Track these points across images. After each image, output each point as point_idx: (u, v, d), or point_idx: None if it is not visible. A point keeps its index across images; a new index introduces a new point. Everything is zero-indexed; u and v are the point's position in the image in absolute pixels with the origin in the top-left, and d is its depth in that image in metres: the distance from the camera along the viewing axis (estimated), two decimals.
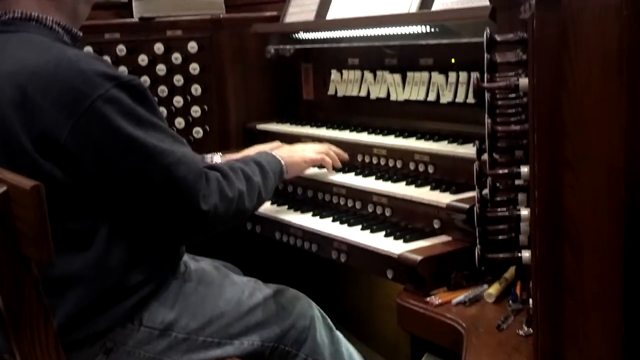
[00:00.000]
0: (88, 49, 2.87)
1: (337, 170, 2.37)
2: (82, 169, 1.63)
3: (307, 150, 2.30)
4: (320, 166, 2.36)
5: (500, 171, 1.50)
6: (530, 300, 1.45)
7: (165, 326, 1.79)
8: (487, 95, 1.53)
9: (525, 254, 1.44)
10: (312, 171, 2.36)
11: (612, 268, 1.18)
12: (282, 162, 2.14)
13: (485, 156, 1.56)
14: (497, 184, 1.56)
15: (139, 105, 1.68)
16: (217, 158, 2.35)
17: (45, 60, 1.63)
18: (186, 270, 1.91)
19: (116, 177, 1.66)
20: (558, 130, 1.22)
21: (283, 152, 2.22)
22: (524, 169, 1.45)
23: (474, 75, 1.50)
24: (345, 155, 2.38)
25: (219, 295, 1.90)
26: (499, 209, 1.54)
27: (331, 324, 2.06)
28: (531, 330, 1.56)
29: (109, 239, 1.69)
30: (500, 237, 1.53)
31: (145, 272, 1.77)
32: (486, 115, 1.51)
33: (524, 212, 1.45)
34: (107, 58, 2.90)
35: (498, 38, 1.49)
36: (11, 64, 1.65)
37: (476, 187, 1.57)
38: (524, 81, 1.41)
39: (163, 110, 2.89)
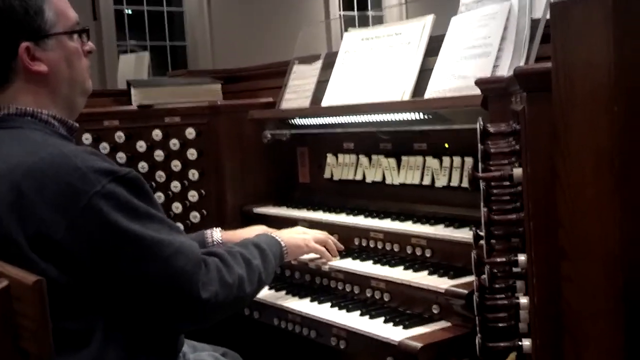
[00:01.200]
0: (87, 135, 2.92)
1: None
2: (79, 266, 1.63)
3: (308, 235, 2.32)
4: None
5: (499, 259, 1.52)
6: None
7: None
8: (482, 184, 1.56)
9: (526, 343, 1.45)
10: (309, 255, 2.37)
11: (613, 358, 1.18)
12: (283, 243, 2.16)
13: (482, 242, 1.58)
14: (496, 271, 1.57)
15: (136, 197, 1.69)
16: (216, 233, 2.36)
17: (40, 158, 1.64)
18: None
19: (114, 271, 1.66)
20: (553, 222, 1.25)
21: (283, 234, 2.24)
22: (522, 257, 1.47)
23: (469, 163, 1.54)
24: (341, 247, 2.41)
25: None
26: (498, 297, 1.55)
27: None
28: None
29: (105, 336, 1.68)
30: (500, 325, 1.54)
31: None
32: (482, 204, 1.54)
33: (523, 300, 1.47)
34: (105, 145, 2.94)
35: (491, 129, 1.53)
36: (6, 162, 1.66)
37: (474, 274, 1.58)
38: (517, 171, 1.45)
39: (160, 195, 2.92)
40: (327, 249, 2.36)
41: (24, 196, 1.61)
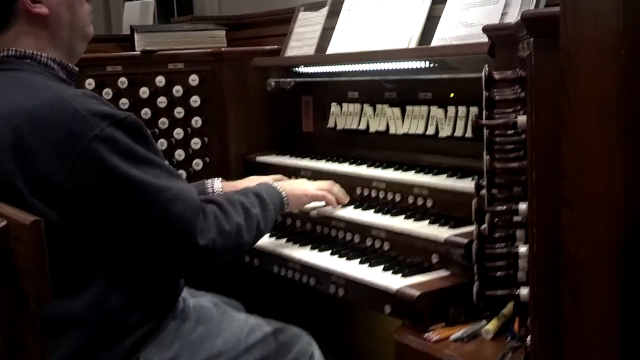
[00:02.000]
0: (90, 81, 2.90)
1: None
2: (78, 210, 1.63)
3: (309, 185, 2.30)
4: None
5: (499, 208, 1.51)
6: (529, 338, 1.45)
7: None
8: (485, 132, 1.54)
9: (524, 291, 1.44)
10: (311, 204, 2.36)
11: (610, 310, 1.17)
12: (284, 193, 2.14)
13: (483, 192, 1.57)
14: (496, 220, 1.56)
15: (135, 142, 1.68)
16: (217, 183, 2.34)
17: (41, 101, 1.64)
18: (184, 307, 1.90)
19: (113, 216, 1.66)
20: (557, 170, 1.23)
21: (285, 184, 2.22)
22: (522, 206, 1.46)
23: (473, 111, 1.51)
24: (346, 199, 2.37)
25: (217, 333, 1.89)
26: (497, 246, 1.54)
27: None
28: None
29: (106, 280, 1.69)
30: (498, 274, 1.54)
31: (143, 311, 1.76)
32: (484, 152, 1.52)
33: (522, 249, 1.46)
34: (108, 90, 2.92)
35: (496, 76, 1.50)
36: (5, 106, 1.65)
37: (474, 223, 1.57)
38: (522, 119, 1.43)
39: (163, 142, 2.91)
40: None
41: (24, 140, 1.61)
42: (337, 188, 2.36)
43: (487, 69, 1.50)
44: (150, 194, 1.67)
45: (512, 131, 1.58)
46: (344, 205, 2.37)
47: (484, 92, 1.51)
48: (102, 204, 1.64)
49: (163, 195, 1.68)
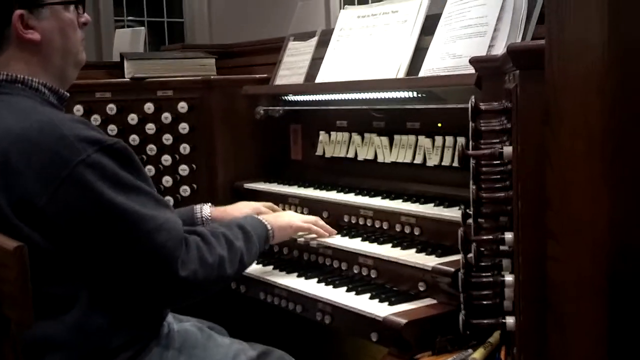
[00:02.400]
0: (78, 107, 2.91)
1: None
2: (61, 234, 1.63)
3: (294, 217, 2.30)
4: None
5: (485, 237, 1.51)
6: None
7: None
8: (472, 162, 1.56)
9: (510, 320, 1.45)
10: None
11: (596, 341, 1.18)
12: (269, 226, 2.14)
13: (470, 221, 1.58)
14: (482, 249, 1.57)
15: (122, 168, 1.68)
16: (206, 209, 2.34)
17: (29, 125, 1.64)
18: (169, 332, 1.89)
19: (95, 242, 1.66)
20: (542, 201, 1.24)
21: (270, 217, 2.22)
22: (509, 236, 1.47)
23: (460, 141, 1.53)
24: (332, 231, 2.37)
25: (202, 357, 1.88)
26: (483, 274, 1.55)
27: None
28: None
29: (89, 304, 1.68)
30: (484, 303, 1.54)
31: (126, 336, 1.75)
32: (471, 182, 1.53)
33: (509, 278, 1.47)
34: (97, 116, 2.93)
35: (483, 107, 1.52)
36: None
37: (461, 252, 1.58)
38: (508, 149, 1.44)
39: (151, 168, 2.91)
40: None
41: (10, 163, 1.61)
42: (322, 222, 2.37)
43: (473, 99, 1.52)
44: (134, 222, 1.66)
45: (499, 161, 1.60)
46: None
47: (470, 122, 1.53)
48: (85, 229, 1.64)
49: (147, 224, 1.68)
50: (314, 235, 2.33)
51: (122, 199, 1.65)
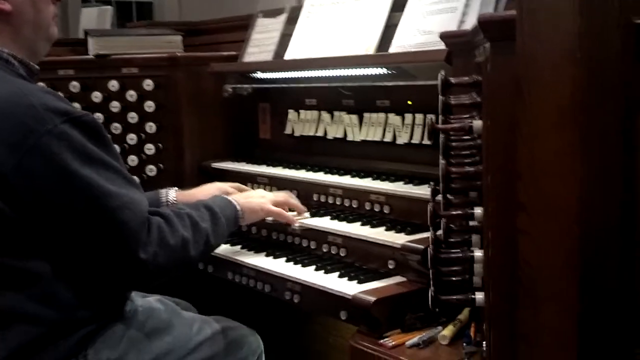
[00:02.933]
0: (41, 84, 2.83)
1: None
2: (24, 203, 1.59)
3: (266, 198, 2.23)
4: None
5: (454, 212, 1.50)
6: (485, 343, 1.44)
7: None
8: (441, 136, 1.54)
9: (479, 296, 1.44)
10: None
11: (567, 315, 1.17)
12: (238, 207, 2.07)
13: (439, 197, 1.56)
14: (452, 225, 1.56)
15: (91, 142, 1.64)
16: (172, 193, 2.27)
17: None
18: (133, 307, 1.86)
19: (58, 214, 1.62)
20: (512, 174, 1.23)
21: (240, 197, 2.16)
22: (478, 210, 1.45)
23: (430, 117, 1.51)
24: (303, 209, 2.32)
25: (166, 332, 1.87)
26: (452, 250, 1.54)
27: None
28: None
29: (55, 277, 1.65)
30: (454, 279, 1.53)
31: (91, 310, 1.72)
32: (440, 157, 1.51)
33: (478, 253, 1.45)
34: (59, 94, 2.85)
35: (453, 80, 1.50)
36: None
37: (430, 228, 1.56)
38: (478, 123, 1.42)
39: (116, 147, 2.83)
40: (290, 210, 2.28)
41: None
42: (295, 200, 2.32)
43: (443, 73, 1.50)
44: (97, 197, 1.62)
45: (468, 136, 1.58)
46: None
47: (440, 96, 1.51)
48: (48, 200, 1.60)
49: (112, 201, 1.63)
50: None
51: (87, 172, 1.61)
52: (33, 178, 1.57)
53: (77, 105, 2.84)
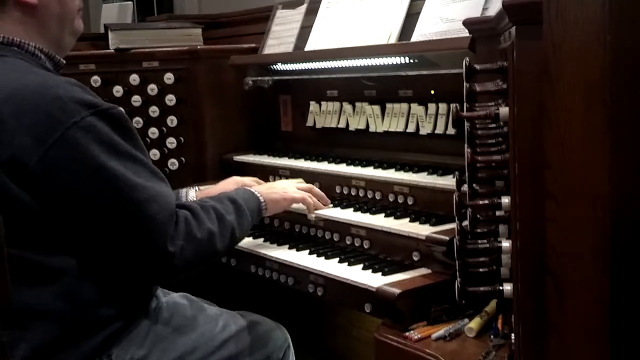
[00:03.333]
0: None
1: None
2: (49, 196, 1.58)
3: (287, 187, 2.21)
4: None
5: (481, 202, 1.47)
6: (513, 335, 1.41)
7: None
8: (466, 124, 1.50)
9: (507, 287, 1.41)
10: (294, 206, 2.26)
11: (598, 306, 1.13)
12: (261, 198, 2.05)
13: (465, 187, 1.53)
14: (478, 215, 1.53)
15: (117, 134, 1.63)
16: (192, 193, 2.23)
17: (24, 84, 1.60)
18: (158, 304, 1.85)
19: (84, 207, 1.60)
20: (540, 161, 1.19)
21: (262, 188, 2.14)
22: (505, 200, 1.42)
23: (454, 105, 1.47)
24: (327, 200, 2.29)
25: (191, 329, 1.85)
26: (479, 241, 1.50)
27: None
28: None
29: (79, 273, 1.64)
30: (481, 270, 1.50)
31: (116, 307, 1.71)
32: (466, 145, 1.48)
33: (506, 244, 1.42)
34: None
35: (478, 67, 1.46)
36: None
37: (456, 218, 1.53)
38: (504, 110, 1.39)
39: None
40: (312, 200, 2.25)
41: (3, 120, 1.56)
42: (317, 190, 2.30)
43: (467, 60, 1.46)
44: (124, 189, 1.61)
45: (494, 124, 1.55)
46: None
47: (464, 83, 1.47)
48: (74, 192, 1.59)
49: (139, 194, 1.62)
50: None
51: (114, 164, 1.60)
52: (59, 170, 1.56)
53: None
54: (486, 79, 1.55)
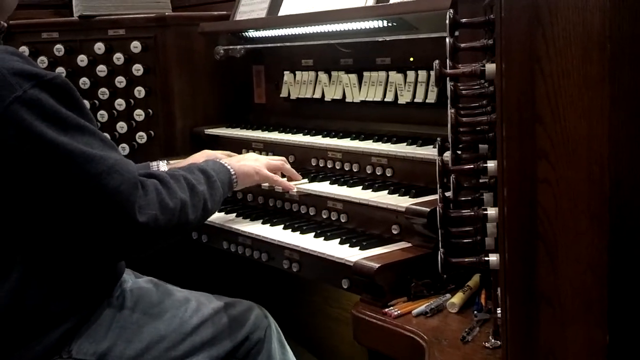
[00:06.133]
0: (23, 48, 2.72)
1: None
2: None
3: (260, 161, 2.10)
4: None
5: (466, 166, 1.36)
6: (498, 310, 1.32)
7: (98, 357, 1.62)
8: (449, 85, 1.40)
9: (493, 258, 1.31)
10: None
11: (595, 273, 1.04)
12: (232, 170, 1.95)
13: (447, 154, 1.42)
14: (462, 183, 1.42)
15: (64, 106, 1.49)
16: (163, 166, 2.12)
17: None
18: (121, 292, 1.74)
19: (36, 190, 1.47)
20: (530, 117, 1.09)
21: (232, 161, 2.04)
22: (491, 164, 1.32)
23: (436, 62, 1.37)
24: (299, 177, 2.19)
25: (158, 316, 1.73)
26: (463, 210, 1.40)
27: (284, 340, 1.90)
28: (499, 342, 1.43)
29: (25, 266, 1.52)
30: (464, 241, 1.40)
31: (70, 300, 1.59)
32: (449, 106, 1.37)
33: (491, 211, 1.32)
34: (43, 58, 2.75)
35: (463, 20, 1.36)
36: None
37: (438, 185, 1.43)
38: (490, 66, 1.29)
39: (103, 113, 2.72)
40: (284, 175, 2.15)
41: None
42: (288, 166, 2.19)
43: (451, 12, 1.35)
44: (81, 164, 1.47)
45: (479, 85, 1.44)
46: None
47: (447, 39, 1.37)
48: (23, 175, 1.45)
49: (96, 166, 1.48)
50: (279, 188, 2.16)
51: (65, 139, 1.46)
52: (4, 151, 1.43)
53: (61, 69, 2.73)
54: (471, 38, 1.45)
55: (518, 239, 1.17)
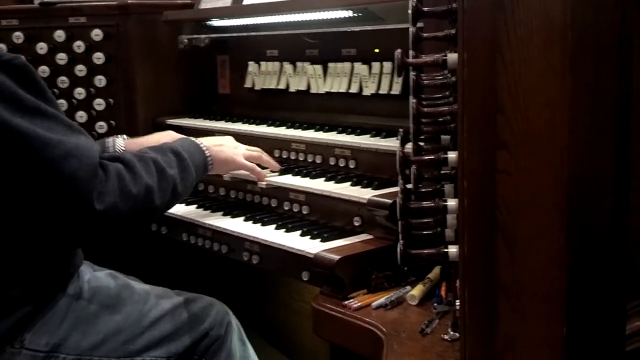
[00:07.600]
0: None
1: None
2: None
3: (238, 149, 2.02)
4: None
5: (426, 157, 1.35)
6: (457, 302, 1.30)
7: (51, 347, 1.57)
8: (411, 74, 1.38)
9: (452, 250, 1.30)
10: (238, 172, 2.10)
11: (554, 265, 1.03)
12: (207, 153, 1.86)
13: (409, 145, 1.41)
14: (422, 174, 1.41)
15: (22, 88, 1.44)
16: (119, 142, 2.00)
17: None
18: (79, 283, 1.69)
19: None
20: (492, 107, 1.08)
21: (210, 142, 1.93)
22: (452, 155, 1.31)
23: (398, 51, 1.35)
24: (277, 166, 2.13)
25: (116, 309, 1.68)
26: (423, 201, 1.39)
27: (245, 337, 1.86)
28: (457, 334, 1.41)
29: None
30: (424, 232, 1.38)
31: (26, 288, 1.54)
32: (410, 97, 1.36)
33: (451, 202, 1.31)
34: (2, 46, 2.67)
35: (425, 9, 1.34)
36: None
37: (399, 177, 1.41)
38: (452, 56, 1.27)
39: (63, 102, 2.66)
40: (261, 167, 2.09)
41: None
42: (266, 156, 2.13)
43: (414, 1, 1.33)
44: (36, 148, 1.41)
45: (441, 75, 1.43)
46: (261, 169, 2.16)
47: (410, 28, 1.35)
48: None
49: (52, 150, 1.43)
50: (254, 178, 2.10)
51: (21, 121, 1.41)
52: None
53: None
54: (434, 28, 1.43)
55: (477, 230, 1.15)
